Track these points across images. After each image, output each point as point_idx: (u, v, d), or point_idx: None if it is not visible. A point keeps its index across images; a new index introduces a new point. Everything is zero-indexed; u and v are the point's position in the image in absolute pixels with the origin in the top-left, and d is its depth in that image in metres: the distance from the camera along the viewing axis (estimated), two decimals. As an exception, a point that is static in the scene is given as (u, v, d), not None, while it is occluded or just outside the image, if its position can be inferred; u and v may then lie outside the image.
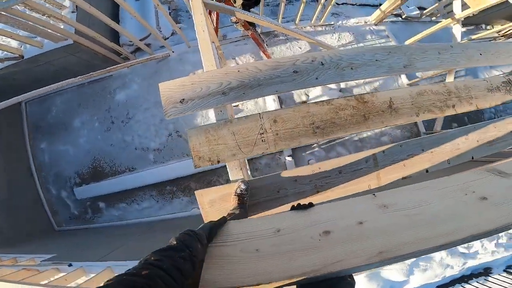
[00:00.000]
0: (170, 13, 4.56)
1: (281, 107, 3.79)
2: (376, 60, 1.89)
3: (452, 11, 4.89)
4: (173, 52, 4.04)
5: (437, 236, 0.64)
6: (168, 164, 3.80)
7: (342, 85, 4.04)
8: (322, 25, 4.32)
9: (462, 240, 0.62)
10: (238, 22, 3.06)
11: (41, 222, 4.06)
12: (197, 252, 0.68)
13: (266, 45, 3.98)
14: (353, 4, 4.82)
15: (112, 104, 4.07)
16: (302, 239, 0.73)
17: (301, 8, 3.78)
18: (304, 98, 3.92)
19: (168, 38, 4.28)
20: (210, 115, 3.80)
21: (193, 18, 1.86)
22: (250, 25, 3.25)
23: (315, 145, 3.85)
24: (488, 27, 5.45)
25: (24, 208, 3.86)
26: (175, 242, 0.68)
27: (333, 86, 3.95)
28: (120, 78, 4.10)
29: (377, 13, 4.42)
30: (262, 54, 3.93)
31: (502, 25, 4.65)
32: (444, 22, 3.59)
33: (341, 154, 3.91)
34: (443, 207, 0.72)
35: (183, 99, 1.49)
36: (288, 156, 3.72)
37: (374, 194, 0.88)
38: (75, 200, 4.13)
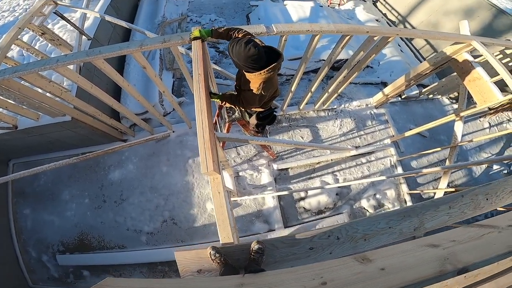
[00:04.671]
0: (174, 81, 4.40)
1: (279, 203, 3.76)
2: (389, 227, 1.85)
3: (449, 89, 5.01)
4: (173, 132, 3.91)
5: None
6: (162, 248, 3.70)
7: (340, 182, 4.06)
8: (325, 110, 4.29)
9: None
10: (245, 127, 2.94)
11: (14, 278, 3.86)
12: None
13: (269, 132, 3.93)
14: (355, 83, 4.80)
15: (105, 182, 3.91)
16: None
17: (307, 97, 3.72)
18: (302, 194, 3.90)
19: (169, 113, 4.13)
20: (208, 206, 3.74)
21: (209, 181, 1.86)
22: (259, 132, 3.17)
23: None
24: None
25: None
26: None
27: (330, 181, 3.96)
28: (116, 155, 3.94)
29: (379, 96, 4.43)
30: (266, 153, 3.87)
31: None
32: (449, 118, 3.64)
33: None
34: None
35: (201, 270, 1.51)
36: None
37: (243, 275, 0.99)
38: (56, 265, 3.95)
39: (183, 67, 2.73)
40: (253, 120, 2.55)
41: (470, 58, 3.06)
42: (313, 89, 3.42)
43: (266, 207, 3.75)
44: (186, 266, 1.48)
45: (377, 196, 4.18)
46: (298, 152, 4.01)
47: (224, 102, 2.24)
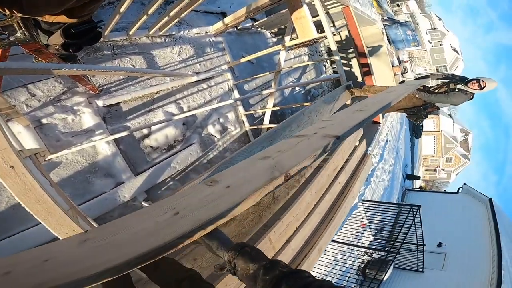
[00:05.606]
0: None
1: (118, 148, 3.02)
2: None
3: (273, 25, 5.79)
4: None
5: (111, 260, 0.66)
6: None
7: (185, 111, 3.80)
8: (162, 36, 3.60)
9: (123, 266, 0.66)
10: (42, 54, 1.82)
11: None
12: None
13: (83, 62, 2.82)
14: (196, 11, 4.33)
15: None
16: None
17: (141, 20, 2.84)
18: (145, 131, 3.31)
19: None
20: None
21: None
22: (68, 58, 2.10)
23: (168, 179, 3.54)
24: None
25: None
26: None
27: (174, 111, 3.60)
28: None
29: (218, 24, 4.31)
30: (82, 87, 2.76)
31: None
32: (276, 48, 4.26)
33: (195, 179, 3.87)
34: (142, 227, 0.77)
35: None
36: (144, 200, 3.20)
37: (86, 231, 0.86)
38: None
39: None
40: (56, 39, 1.55)
41: (300, -4, 3.35)
42: (150, 11, 2.60)
43: (101, 157, 2.89)
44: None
45: (221, 120, 4.35)
46: (130, 82, 3.18)
47: None
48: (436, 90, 2.95)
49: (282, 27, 6.37)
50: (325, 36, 3.31)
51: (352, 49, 7.43)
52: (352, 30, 6.19)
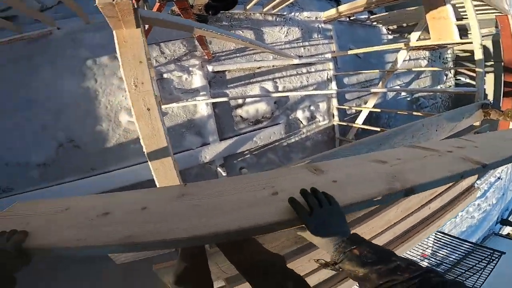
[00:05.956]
0: None
1: (214, 111, 3.31)
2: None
3: (391, 21, 5.24)
4: (58, 29, 2.67)
5: (207, 225, 0.64)
6: (65, 183, 2.74)
7: (280, 90, 3.84)
8: (274, 15, 3.69)
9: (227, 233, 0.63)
10: (186, 13, 2.13)
11: None
12: None
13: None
14: None
15: None
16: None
17: None
18: (240, 101, 3.52)
19: (51, 7, 2.75)
20: (122, 118, 2.97)
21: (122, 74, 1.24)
22: (205, 20, 2.40)
23: (247, 151, 3.72)
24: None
25: None
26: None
27: (270, 88, 3.68)
28: None
29: (331, 11, 4.14)
30: (199, 52, 3.13)
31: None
32: (395, 46, 4.08)
33: (271, 159, 3.95)
34: (237, 198, 0.73)
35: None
36: (220, 165, 3.48)
37: (185, 184, 0.89)
38: None
39: None
40: (202, 0, 1.81)
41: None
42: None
43: (198, 116, 3.24)
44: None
45: (312, 107, 4.21)
46: (238, 54, 3.42)
47: None
48: None
49: (404, 25, 5.64)
50: (470, 42, 2.85)
51: (492, 62, 6.03)
52: (505, 42, 4.95)
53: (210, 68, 3.17)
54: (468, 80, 7.63)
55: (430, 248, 5.99)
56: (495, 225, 11.14)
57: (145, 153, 1.17)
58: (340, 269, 0.60)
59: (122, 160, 3.01)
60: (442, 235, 5.99)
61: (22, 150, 2.67)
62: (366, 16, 5.05)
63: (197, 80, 3.14)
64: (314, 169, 0.86)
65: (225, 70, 3.31)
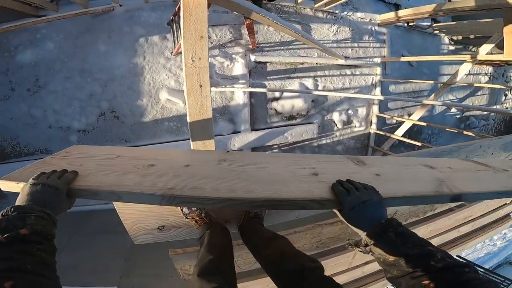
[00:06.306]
0: None
1: (250, 101, 3.33)
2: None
3: (457, 32, 4.82)
4: (120, 6, 2.84)
5: (246, 190, 0.66)
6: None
7: (319, 89, 3.73)
8: (325, 12, 3.56)
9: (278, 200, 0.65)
10: None
11: None
12: None
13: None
14: None
15: (12, 65, 2.76)
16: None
17: None
18: (277, 95, 3.49)
19: None
20: (161, 96, 3.11)
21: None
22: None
23: (275, 146, 3.70)
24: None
25: None
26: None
27: (310, 85, 3.59)
28: (26, 32, 2.72)
29: (389, 15, 3.90)
30: (244, 40, 3.14)
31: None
32: (461, 57, 3.82)
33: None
34: (277, 171, 0.75)
35: (163, 226, 1.05)
36: None
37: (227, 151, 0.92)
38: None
39: None
40: None
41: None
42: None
43: (234, 103, 3.29)
44: (137, 222, 1.01)
45: (350, 111, 4.05)
46: (282, 47, 3.38)
47: None
48: None
49: (471, 36, 5.12)
50: None
51: None
52: None
53: (253, 57, 3.17)
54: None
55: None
56: (512, 254, 10.24)
57: (189, 130, 1.18)
58: (370, 252, 0.59)
59: (155, 136, 3.19)
60: (459, 258, 5.66)
61: (67, 115, 2.96)
62: (429, 24, 4.67)
63: (238, 67, 3.16)
64: (357, 161, 0.86)
65: (267, 62, 3.29)
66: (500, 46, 3.21)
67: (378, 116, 4.29)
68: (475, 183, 0.82)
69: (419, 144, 3.56)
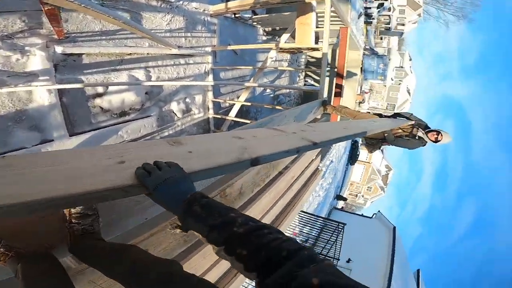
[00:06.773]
0: None
1: (60, 100, 2.61)
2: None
3: (268, 24, 5.74)
4: None
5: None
6: None
7: (153, 80, 3.53)
8: (159, 0, 3.21)
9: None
10: None
11: None
12: None
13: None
14: None
15: None
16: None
17: None
18: (100, 90, 2.96)
19: None
20: None
21: None
22: None
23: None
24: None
25: None
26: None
27: (141, 77, 3.29)
28: None
29: (219, 6, 4.08)
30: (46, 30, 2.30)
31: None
32: (267, 45, 4.61)
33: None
34: (77, 166, 0.66)
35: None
36: None
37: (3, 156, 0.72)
38: None
39: None
40: None
41: (314, 4, 3.32)
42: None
43: (35, 106, 2.45)
44: None
45: (187, 100, 4.17)
46: (103, 37, 2.75)
47: None
48: (399, 134, 3.00)
49: (277, 28, 6.30)
50: (321, 48, 3.30)
51: (329, 67, 7.75)
52: (341, 50, 6.24)
53: (59, 49, 2.42)
54: (312, 82, 9.75)
55: (298, 227, 7.28)
56: (333, 201, 15.04)
57: None
58: (188, 231, 0.57)
59: None
60: (304, 213, 7.29)
61: None
62: (250, 16, 5.31)
63: (35, 61, 2.33)
64: (173, 142, 0.85)
65: (82, 53, 2.62)
66: (294, 36, 3.85)
67: (213, 102, 4.69)
68: (270, 146, 1.00)
69: (249, 121, 4.09)
